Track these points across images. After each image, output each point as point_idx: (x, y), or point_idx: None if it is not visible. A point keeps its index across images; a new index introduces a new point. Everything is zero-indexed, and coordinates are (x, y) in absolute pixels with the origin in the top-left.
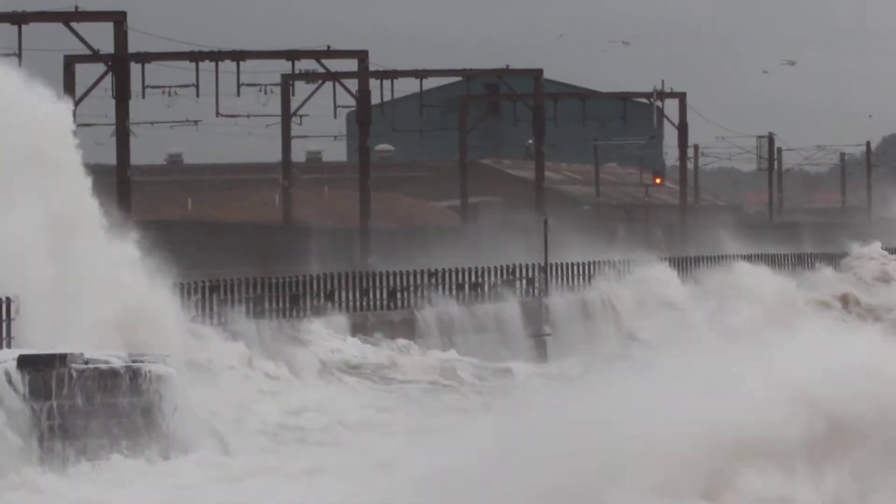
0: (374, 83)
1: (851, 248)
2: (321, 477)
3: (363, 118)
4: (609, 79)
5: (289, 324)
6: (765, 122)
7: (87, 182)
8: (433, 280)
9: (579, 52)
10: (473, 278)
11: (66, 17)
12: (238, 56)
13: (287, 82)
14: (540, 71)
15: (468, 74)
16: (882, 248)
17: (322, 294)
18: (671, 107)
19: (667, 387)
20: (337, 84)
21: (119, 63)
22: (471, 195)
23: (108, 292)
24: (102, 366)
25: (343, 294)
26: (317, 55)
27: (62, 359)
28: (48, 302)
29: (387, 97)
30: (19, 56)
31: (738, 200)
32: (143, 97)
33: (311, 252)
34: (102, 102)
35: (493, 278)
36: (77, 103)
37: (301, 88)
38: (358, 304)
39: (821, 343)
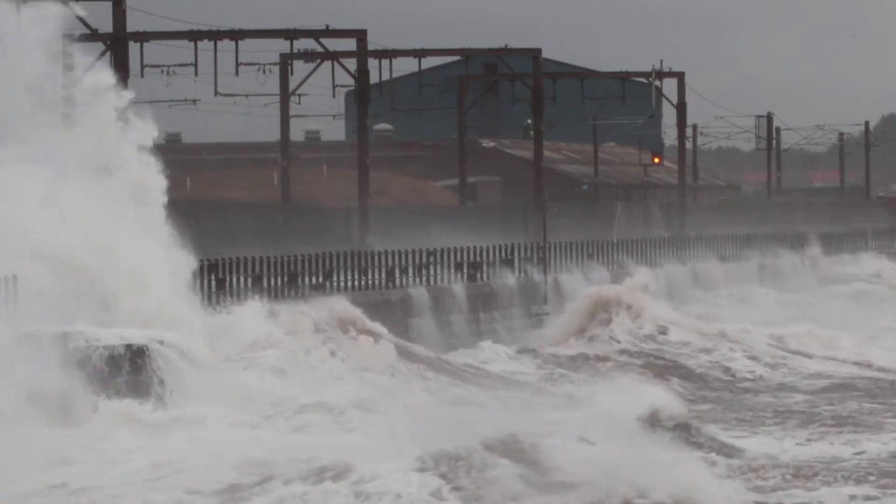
0: (372, 62)
1: None
2: None
3: (362, 97)
4: (608, 58)
5: None
6: (763, 102)
7: None
8: (432, 259)
9: (578, 31)
10: (472, 258)
11: None
12: (237, 35)
13: (286, 62)
14: (539, 50)
15: (467, 54)
16: None
17: (320, 273)
18: (670, 86)
19: None
20: (336, 63)
21: (117, 42)
22: (469, 175)
23: None
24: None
25: (341, 273)
26: (315, 34)
27: None
28: None
29: (385, 76)
30: None
31: (736, 180)
32: (142, 76)
33: (310, 231)
34: None
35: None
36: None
37: (300, 68)
38: (356, 283)
39: None
